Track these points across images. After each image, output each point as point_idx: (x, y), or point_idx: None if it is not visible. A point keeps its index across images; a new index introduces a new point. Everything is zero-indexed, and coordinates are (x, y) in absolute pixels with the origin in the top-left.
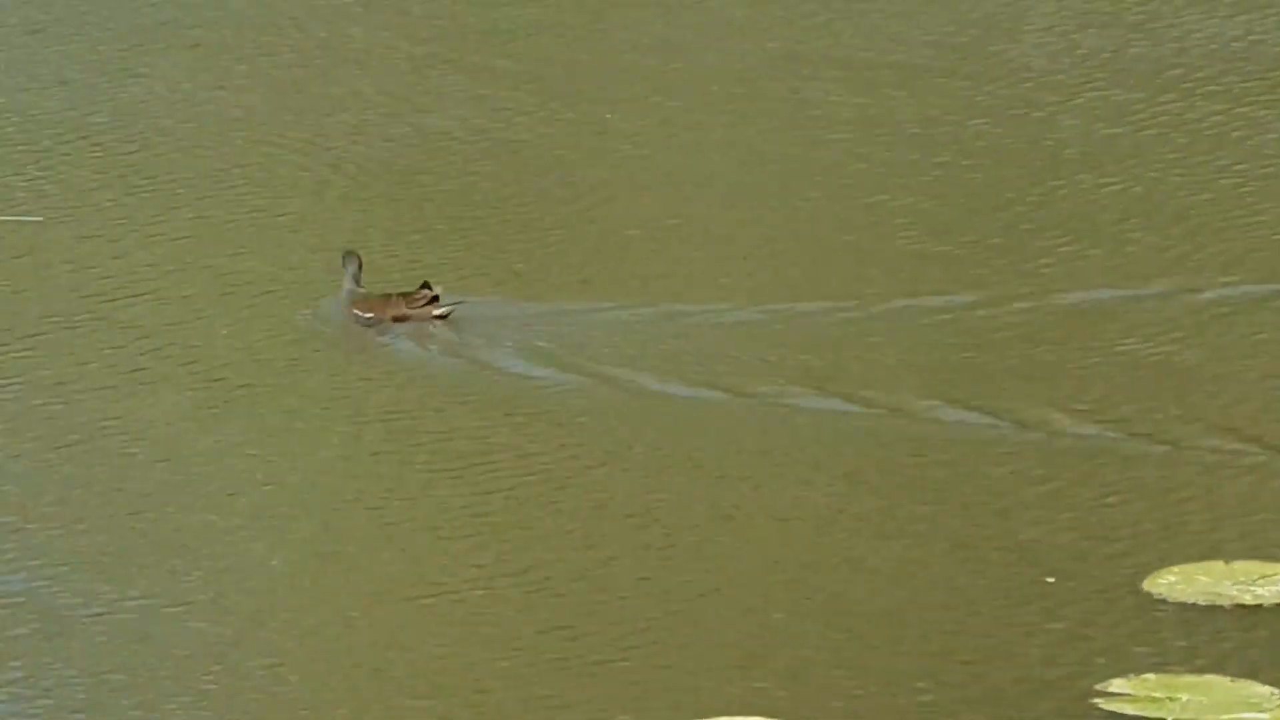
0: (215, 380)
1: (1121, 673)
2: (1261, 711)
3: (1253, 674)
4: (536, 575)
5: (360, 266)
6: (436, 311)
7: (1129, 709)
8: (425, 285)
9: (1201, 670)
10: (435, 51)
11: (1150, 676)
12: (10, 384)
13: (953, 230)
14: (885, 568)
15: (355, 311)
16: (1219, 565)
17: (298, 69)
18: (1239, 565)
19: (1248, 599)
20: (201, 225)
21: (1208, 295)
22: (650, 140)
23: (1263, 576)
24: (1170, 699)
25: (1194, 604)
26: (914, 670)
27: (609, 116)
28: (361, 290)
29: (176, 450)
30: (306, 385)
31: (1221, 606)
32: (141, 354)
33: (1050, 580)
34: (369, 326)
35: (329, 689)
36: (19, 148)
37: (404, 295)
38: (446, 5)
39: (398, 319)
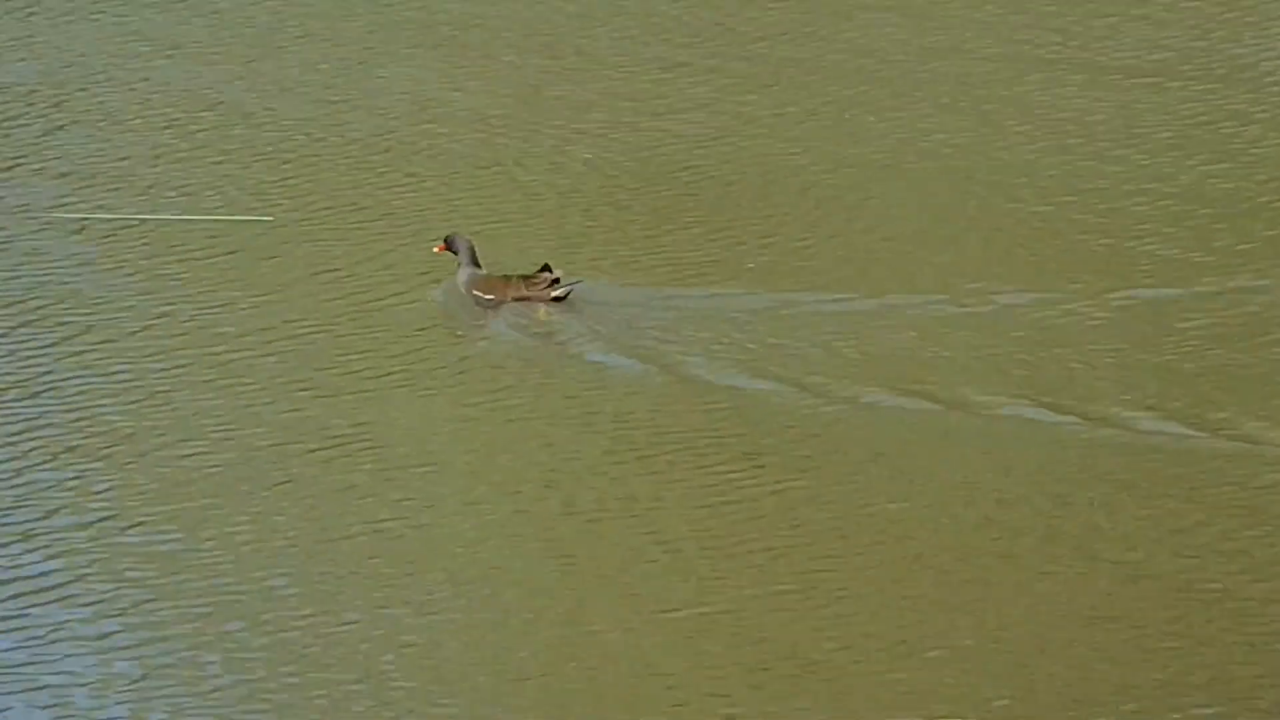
0: (455, 384)
1: None
2: None
3: None
4: (808, 593)
5: (473, 247)
6: (555, 293)
7: None
8: (545, 267)
9: None
10: (676, 55)
11: None
12: (246, 387)
13: (1203, 234)
14: (1105, 578)
15: (476, 293)
16: None
17: (540, 71)
18: None
19: None
20: (442, 228)
21: None
22: (891, 144)
23: None
24: None
25: None
26: (1143, 679)
27: (847, 116)
28: (482, 272)
29: (414, 456)
30: (549, 388)
31: None
32: (389, 357)
33: None
34: (489, 308)
35: (584, 696)
36: (255, 148)
37: (524, 277)
38: (689, 9)
39: (518, 299)
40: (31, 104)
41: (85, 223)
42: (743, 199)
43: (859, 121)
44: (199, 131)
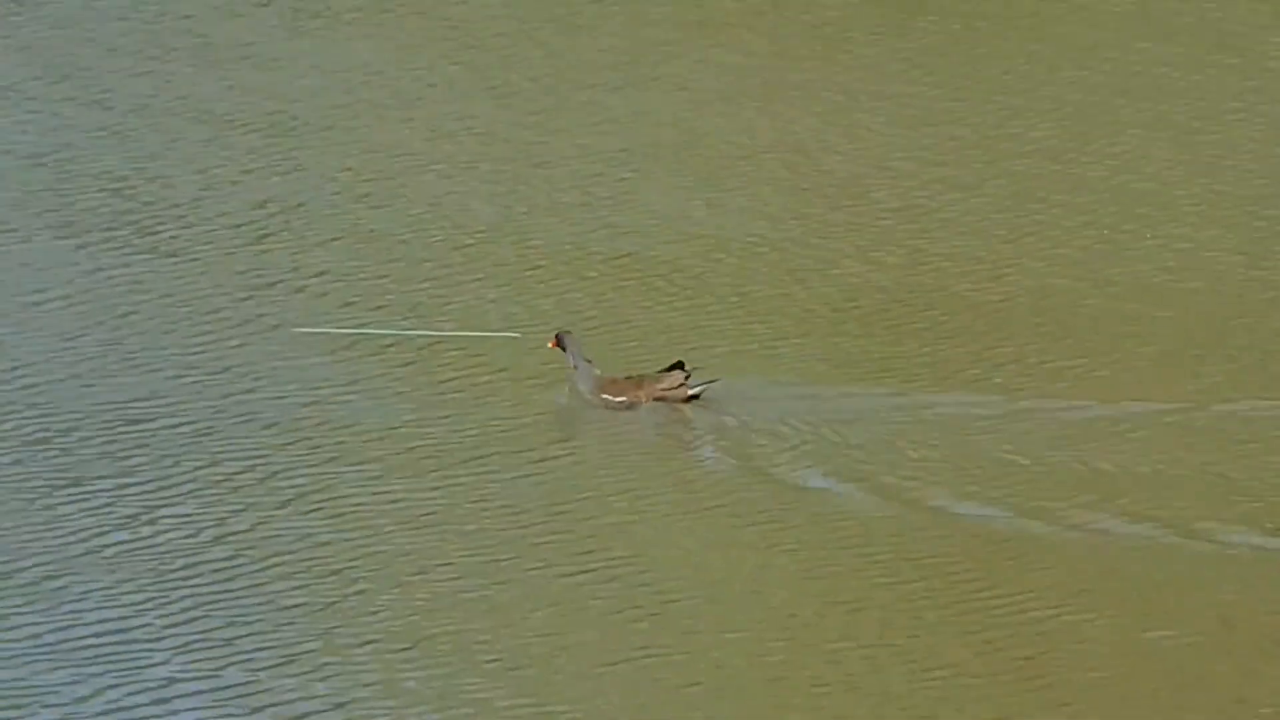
0: (709, 505)
1: None
2: None
3: None
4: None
5: (580, 346)
6: (691, 391)
7: None
8: (678, 365)
9: None
10: (935, 174)
11: None
12: (508, 510)
13: None
14: None
15: (605, 396)
16: None
17: (796, 190)
18: None
19: None
20: (692, 347)
21: None
22: (1156, 261)
23: None
24: None
25: None
26: None
27: (1109, 233)
28: (598, 372)
29: (676, 580)
30: (806, 513)
31: None
32: (646, 479)
33: None
34: (621, 410)
35: None
36: (508, 265)
37: (656, 377)
38: (946, 125)
39: (657, 399)
40: (289, 220)
41: (341, 340)
42: (1006, 316)
43: (1123, 238)
44: (453, 248)
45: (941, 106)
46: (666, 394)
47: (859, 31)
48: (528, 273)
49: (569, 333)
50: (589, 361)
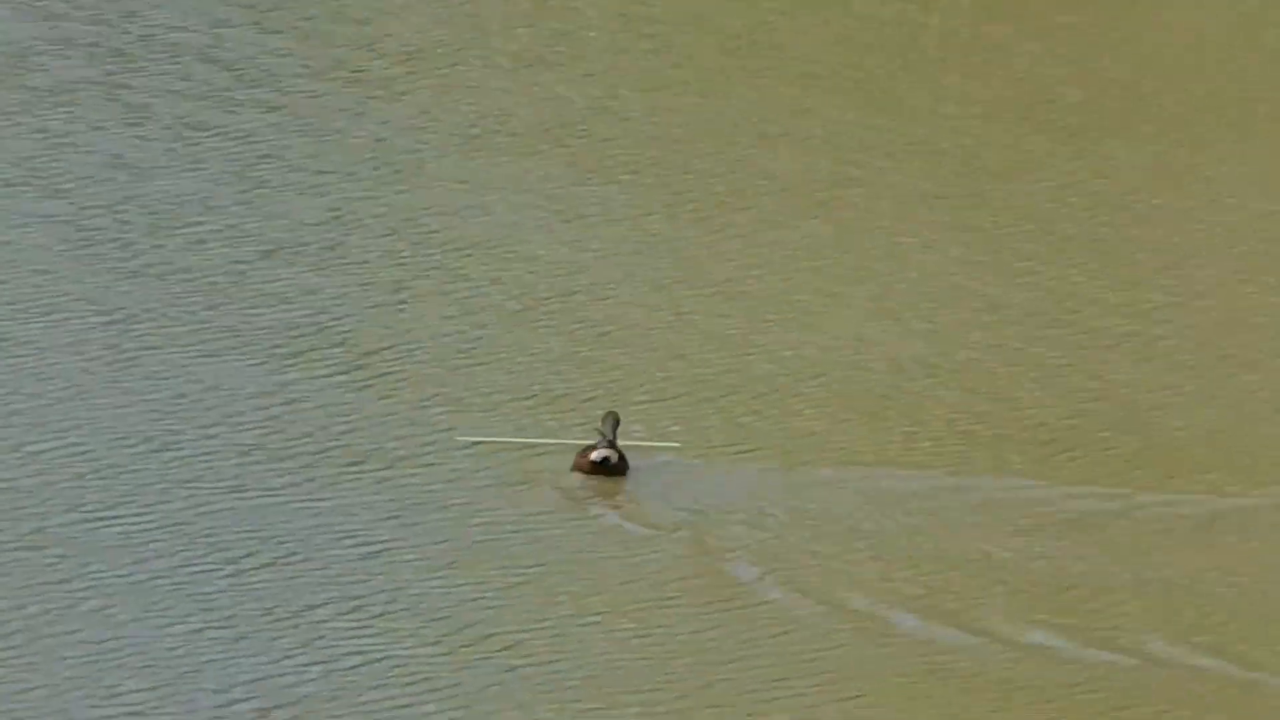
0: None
1: None
2: None
3: None
4: None
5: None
6: (592, 456)
7: None
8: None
9: None
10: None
11: None
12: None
13: None
14: None
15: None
16: None
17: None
18: None
19: None
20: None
21: None
22: None
23: None
24: None
25: None
26: None
27: None
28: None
29: None
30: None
31: None
32: None
33: None
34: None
35: None
36: (676, 380)
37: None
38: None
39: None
40: (472, 337)
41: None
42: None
43: None
44: (625, 361)
45: None
46: (578, 463)
47: None
48: (694, 387)
49: (613, 415)
50: (606, 441)
